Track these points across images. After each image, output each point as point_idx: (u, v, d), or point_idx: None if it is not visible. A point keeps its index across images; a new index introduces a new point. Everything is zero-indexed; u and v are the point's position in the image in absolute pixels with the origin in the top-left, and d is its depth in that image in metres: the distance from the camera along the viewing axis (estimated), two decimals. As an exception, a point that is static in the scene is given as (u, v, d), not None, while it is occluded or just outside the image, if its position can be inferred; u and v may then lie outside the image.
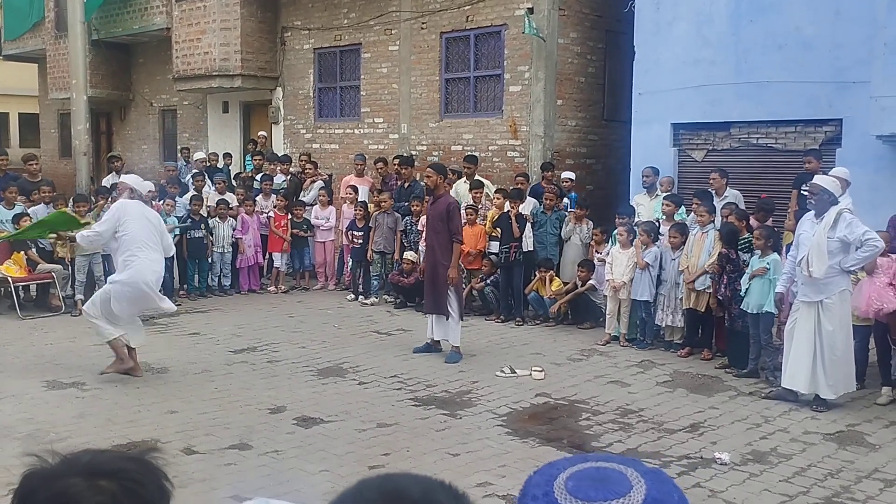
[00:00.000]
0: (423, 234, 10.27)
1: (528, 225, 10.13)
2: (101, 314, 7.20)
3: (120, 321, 7.29)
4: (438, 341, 8.41)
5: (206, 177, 12.66)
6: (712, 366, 8.04)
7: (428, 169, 8.56)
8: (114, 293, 7.18)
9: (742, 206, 9.12)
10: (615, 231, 9.34)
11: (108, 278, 7.75)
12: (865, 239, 6.45)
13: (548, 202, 10.32)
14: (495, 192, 10.55)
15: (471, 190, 10.95)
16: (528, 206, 10.46)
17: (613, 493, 0.90)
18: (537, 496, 0.93)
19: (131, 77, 19.94)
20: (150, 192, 8.30)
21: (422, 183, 12.43)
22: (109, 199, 10.74)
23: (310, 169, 13.10)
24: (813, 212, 6.75)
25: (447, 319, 8.20)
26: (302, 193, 12.81)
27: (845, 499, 4.96)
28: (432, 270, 8.29)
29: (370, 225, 11.38)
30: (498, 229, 10.07)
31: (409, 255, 10.80)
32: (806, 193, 7.12)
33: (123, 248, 7.17)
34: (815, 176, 7.14)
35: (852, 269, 6.61)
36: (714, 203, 8.98)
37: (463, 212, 10.74)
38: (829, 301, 6.56)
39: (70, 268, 10.46)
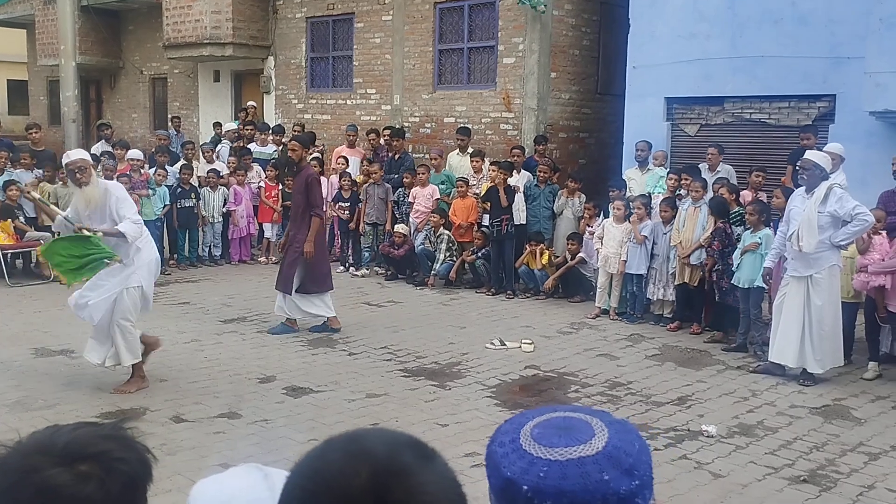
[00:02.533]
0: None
1: (522, 198, 10.09)
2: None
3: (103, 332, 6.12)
4: (296, 320, 8.05)
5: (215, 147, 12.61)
6: (701, 340, 8.08)
7: (292, 142, 8.27)
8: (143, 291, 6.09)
9: (734, 182, 9.11)
10: (610, 205, 9.32)
11: (130, 278, 6.04)
12: (856, 214, 6.46)
13: (541, 175, 10.28)
14: (491, 164, 10.50)
15: (472, 158, 10.92)
16: (521, 179, 10.42)
17: (575, 440, 0.94)
18: (504, 442, 0.97)
19: (121, 44, 19.70)
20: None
21: (413, 155, 12.41)
22: (99, 167, 10.67)
23: None
24: (804, 187, 6.76)
25: (292, 295, 7.84)
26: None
27: (830, 471, 5.01)
28: (290, 245, 7.96)
29: (361, 197, 11.33)
30: (487, 203, 10.03)
31: (400, 227, 10.78)
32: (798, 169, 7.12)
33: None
34: (808, 151, 7.14)
35: (842, 243, 6.62)
36: (707, 178, 8.98)
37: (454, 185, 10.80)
38: (818, 276, 6.58)
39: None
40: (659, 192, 9.39)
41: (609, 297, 9.04)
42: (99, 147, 12.62)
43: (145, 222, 10.46)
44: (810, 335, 6.64)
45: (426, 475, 0.85)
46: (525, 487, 0.91)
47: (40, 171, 10.77)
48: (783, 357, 6.76)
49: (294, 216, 8.10)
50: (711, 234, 8.04)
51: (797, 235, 6.54)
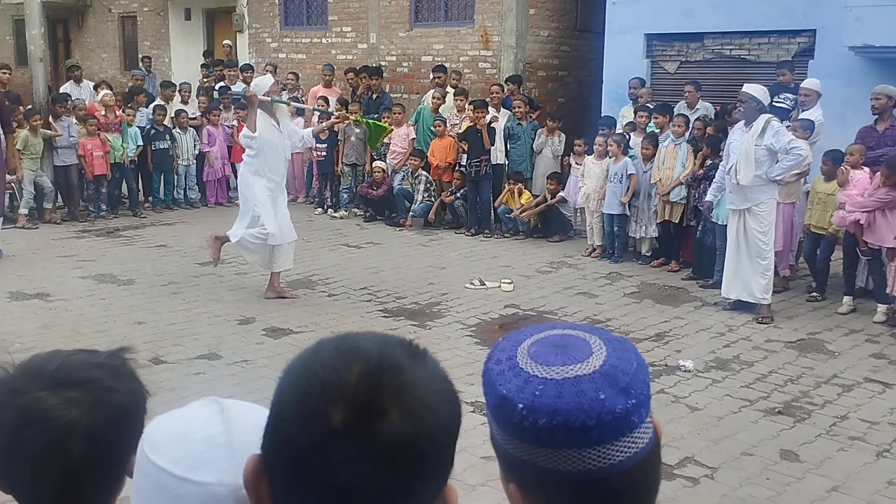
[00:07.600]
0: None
1: (500, 138, 9.97)
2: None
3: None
4: None
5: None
6: (679, 277, 8.13)
7: None
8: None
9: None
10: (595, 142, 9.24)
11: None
12: (791, 147, 6.50)
13: (518, 111, 10.08)
14: (469, 104, 10.31)
15: (456, 97, 10.72)
16: (502, 118, 10.28)
17: (573, 358, 0.92)
18: (501, 360, 0.96)
19: (88, -19, 19.11)
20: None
21: (391, 94, 12.22)
22: (70, 107, 10.45)
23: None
24: (743, 120, 6.74)
25: None
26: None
27: (804, 403, 5.10)
28: None
29: (339, 138, 11.17)
30: (465, 142, 9.90)
31: (379, 164, 10.63)
32: (781, 103, 7.09)
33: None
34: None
35: (778, 178, 6.64)
36: (686, 115, 8.92)
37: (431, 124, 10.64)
38: (756, 208, 6.65)
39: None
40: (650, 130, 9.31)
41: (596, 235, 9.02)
42: (68, 87, 12.36)
43: (115, 164, 10.45)
44: (747, 265, 6.74)
45: (418, 371, 0.85)
46: (520, 405, 0.90)
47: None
48: (727, 290, 6.90)
49: None
50: (705, 169, 7.97)
51: (735, 169, 6.58)
